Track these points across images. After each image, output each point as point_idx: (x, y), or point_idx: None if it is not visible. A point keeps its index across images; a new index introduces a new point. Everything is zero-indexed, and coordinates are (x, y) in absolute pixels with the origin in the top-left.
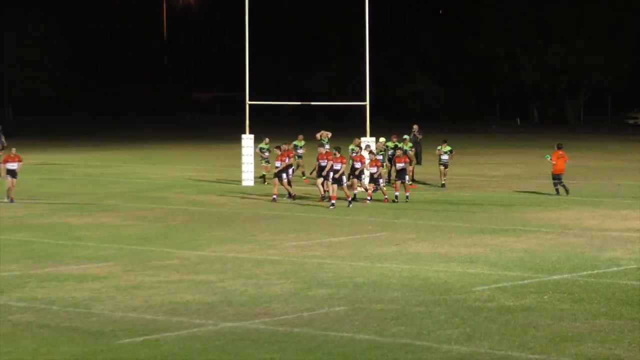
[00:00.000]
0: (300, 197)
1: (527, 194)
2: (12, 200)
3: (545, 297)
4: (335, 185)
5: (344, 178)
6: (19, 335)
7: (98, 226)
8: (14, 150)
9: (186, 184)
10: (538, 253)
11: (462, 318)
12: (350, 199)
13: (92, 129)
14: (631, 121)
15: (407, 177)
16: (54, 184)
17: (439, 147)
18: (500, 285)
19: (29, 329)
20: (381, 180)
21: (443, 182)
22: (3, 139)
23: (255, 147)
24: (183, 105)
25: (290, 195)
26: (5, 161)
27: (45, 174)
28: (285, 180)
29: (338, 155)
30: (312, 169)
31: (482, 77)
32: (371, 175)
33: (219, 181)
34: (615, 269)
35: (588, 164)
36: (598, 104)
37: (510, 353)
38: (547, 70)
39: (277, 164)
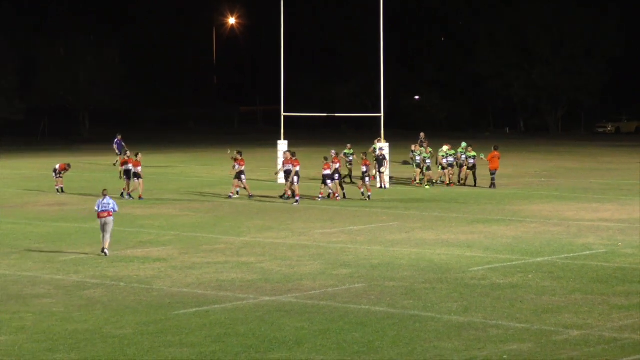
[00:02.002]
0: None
1: (514, 190)
2: (140, 197)
3: (530, 276)
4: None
5: (296, 178)
6: (92, 307)
7: (158, 216)
8: (139, 155)
9: (231, 181)
10: (524, 239)
11: (460, 293)
12: (298, 197)
13: (154, 136)
14: (601, 130)
15: (367, 179)
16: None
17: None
18: (492, 266)
19: (100, 302)
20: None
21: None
22: (119, 147)
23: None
24: (230, 117)
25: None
26: (134, 165)
27: (116, 173)
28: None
29: (294, 158)
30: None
31: (477, 93)
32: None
33: (258, 179)
34: (587, 252)
35: (566, 165)
36: (574, 115)
37: (500, 322)
38: (531, 88)
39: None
